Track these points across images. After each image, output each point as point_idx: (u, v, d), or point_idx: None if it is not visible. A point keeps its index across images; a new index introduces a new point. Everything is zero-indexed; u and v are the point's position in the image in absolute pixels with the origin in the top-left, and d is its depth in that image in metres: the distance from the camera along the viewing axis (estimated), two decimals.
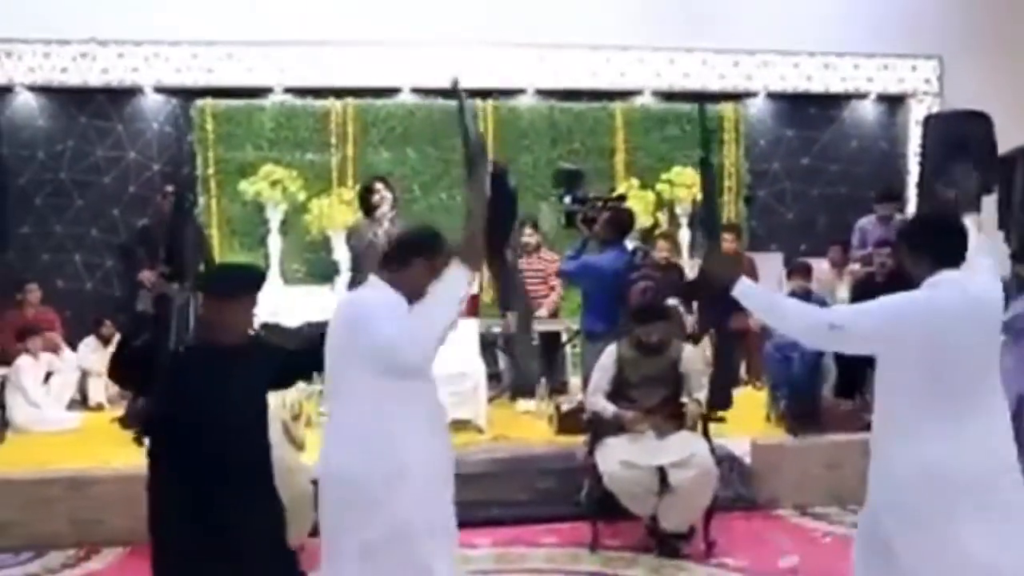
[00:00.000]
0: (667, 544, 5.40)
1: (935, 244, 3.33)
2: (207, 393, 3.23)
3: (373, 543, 3.15)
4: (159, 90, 9.73)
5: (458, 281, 3.08)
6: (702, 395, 5.58)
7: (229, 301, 3.35)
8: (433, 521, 3.24)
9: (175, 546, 3.28)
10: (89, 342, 8.57)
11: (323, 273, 9.31)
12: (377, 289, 3.26)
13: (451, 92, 3.70)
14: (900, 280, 3.52)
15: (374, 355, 3.08)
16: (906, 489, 3.16)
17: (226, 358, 3.33)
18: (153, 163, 9.75)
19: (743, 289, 3.37)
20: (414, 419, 3.20)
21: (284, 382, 3.78)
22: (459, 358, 6.63)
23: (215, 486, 3.25)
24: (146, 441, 3.47)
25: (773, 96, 10.64)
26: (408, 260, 3.24)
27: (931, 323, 3.16)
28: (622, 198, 7.11)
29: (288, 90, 9.80)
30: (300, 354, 3.75)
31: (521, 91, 9.95)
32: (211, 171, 9.52)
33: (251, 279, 3.54)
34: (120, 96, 9.71)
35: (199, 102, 9.58)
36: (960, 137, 7.82)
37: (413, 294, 3.19)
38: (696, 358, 5.84)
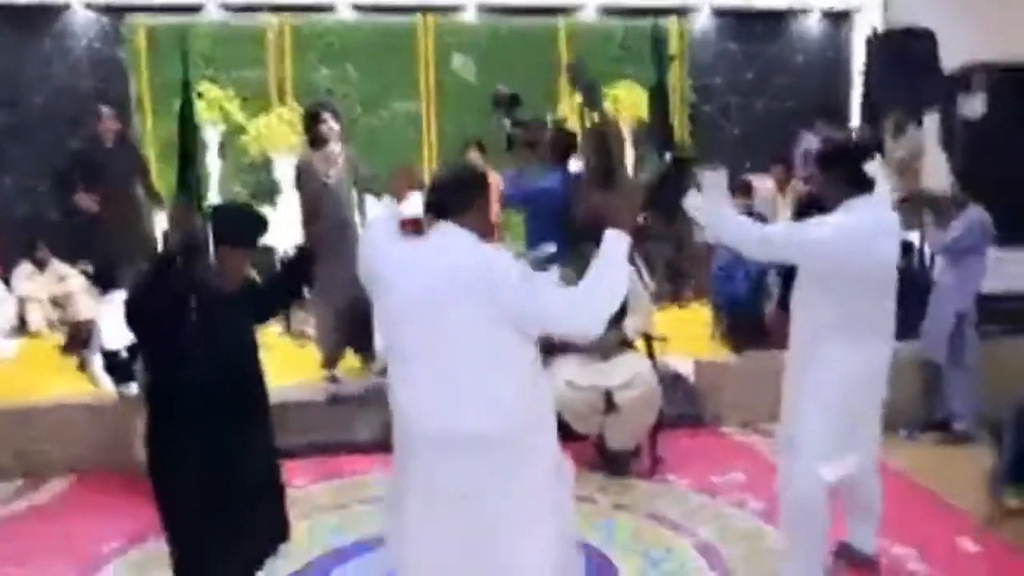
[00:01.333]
0: (614, 463, 5.51)
1: (850, 170, 3.53)
2: (211, 337, 3.08)
3: None
4: (88, 6, 9.37)
5: (618, 245, 2.97)
6: (638, 320, 5.63)
7: (234, 248, 3.24)
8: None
9: (183, 486, 3.22)
10: (24, 267, 8.37)
11: (264, 193, 9.13)
12: (466, 238, 2.96)
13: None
14: None
15: (531, 319, 2.90)
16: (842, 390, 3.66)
17: (227, 303, 3.23)
18: (84, 82, 9.44)
19: (693, 200, 3.68)
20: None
21: (260, 320, 3.69)
22: None
23: (220, 427, 3.18)
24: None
25: (717, 12, 10.55)
26: (471, 203, 3.03)
27: (851, 246, 3.44)
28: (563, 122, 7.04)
29: (222, 6, 9.50)
30: (271, 291, 3.73)
31: (461, 7, 9.72)
32: (144, 91, 9.23)
33: (259, 227, 3.42)
34: (48, 12, 9.34)
35: (130, 19, 9.26)
36: (902, 55, 7.84)
37: (486, 233, 3.03)
38: (636, 279, 5.85)
